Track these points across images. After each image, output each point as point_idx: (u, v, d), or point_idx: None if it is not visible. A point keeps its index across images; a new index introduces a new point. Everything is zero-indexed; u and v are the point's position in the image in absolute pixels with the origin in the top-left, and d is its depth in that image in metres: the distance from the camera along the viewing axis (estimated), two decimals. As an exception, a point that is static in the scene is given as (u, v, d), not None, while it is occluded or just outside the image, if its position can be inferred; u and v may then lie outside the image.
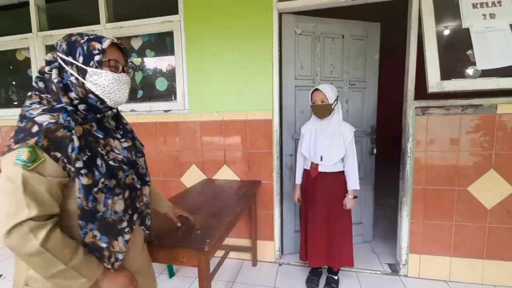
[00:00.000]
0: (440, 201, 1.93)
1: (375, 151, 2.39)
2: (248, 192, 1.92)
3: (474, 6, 1.62)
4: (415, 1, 1.79)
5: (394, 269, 2.14)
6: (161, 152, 2.40)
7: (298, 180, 1.96)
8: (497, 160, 1.81)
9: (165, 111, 2.36)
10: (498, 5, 1.61)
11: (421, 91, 1.87)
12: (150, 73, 2.53)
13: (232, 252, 2.34)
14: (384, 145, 3.55)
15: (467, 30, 1.64)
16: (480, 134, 1.82)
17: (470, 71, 1.64)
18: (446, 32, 1.71)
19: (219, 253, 2.34)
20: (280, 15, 2.06)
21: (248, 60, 2.13)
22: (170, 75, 2.41)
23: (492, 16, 1.60)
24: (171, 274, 2.10)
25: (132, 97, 2.55)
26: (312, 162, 1.81)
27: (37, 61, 2.62)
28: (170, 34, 2.28)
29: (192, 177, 2.34)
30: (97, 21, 2.42)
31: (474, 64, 1.62)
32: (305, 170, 1.91)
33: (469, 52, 1.64)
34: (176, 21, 2.23)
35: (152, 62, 2.53)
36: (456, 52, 1.69)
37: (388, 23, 2.48)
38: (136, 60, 2.53)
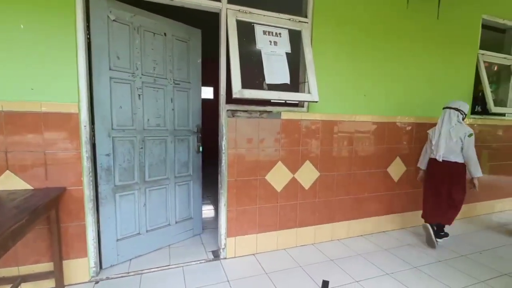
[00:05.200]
0: (248, 190, 2.33)
1: (201, 149, 2.57)
2: (40, 203, 1.52)
3: (264, 32, 2.07)
4: (223, 18, 2.07)
5: (216, 254, 2.37)
6: None
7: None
8: (282, 154, 2.40)
9: None
10: (279, 36, 2.13)
11: (231, 96, 2.17)
12: None
13: (26, 284, 1.80)
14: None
15: (260, 51, 2.06)
16: (271, 134, 2.35)
17: (262, 83, 2.07)
18: (246, 48, 2.09)
19: (-4, 291, 1.75)
20: (87, -8, 1.78)
21: (42, 38, 1.70)
22: None
23: (275, 43, 2.11)
24: None
25: None
26: None
27: None
28: None
29: None
30: None
31: (264, 78, 2.06)
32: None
33: (262, 68, 2.06)
34: None
35: None
36: (253, 67, 2.09)
37: (211, 32, 2.73)
38: None
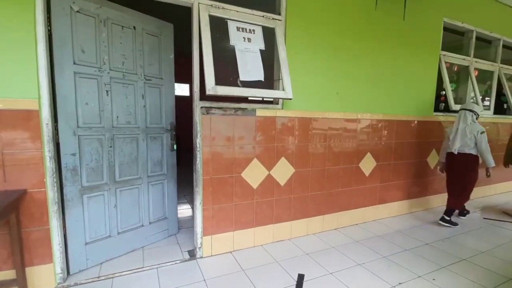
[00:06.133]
0: (223, 187, 2.31)
1: (175, 147, 2.51)
2: (-4, 208, 1.41)
3: (238, 29, 2.06)
4: (195, 13, 2.03)
5: (192, 254, 2.34)
6: None
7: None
8: (258, 151, 2.41)
9: None
10: (253, 32, 2.13)
11: (206, 93, 2.14)
12: None
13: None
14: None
15: (234, 47, 2.04)
16: (247, 131, 2.34)
17: (236, 80, 2.06)
18: (219, 44, 2.06)
19: None
20: (46, -20, 1.66)
21: (-5, 27, 1.57)
22: None
23: (249, 40, 2.11)
24: None
25: None
26: None
27: None
28: None
29: None
30: None
31: (238, 75, 2.05)
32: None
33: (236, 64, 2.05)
34: None
35: None
36: (228, 63, 2.08)
37: (184, 27, 2.67)
38: None
